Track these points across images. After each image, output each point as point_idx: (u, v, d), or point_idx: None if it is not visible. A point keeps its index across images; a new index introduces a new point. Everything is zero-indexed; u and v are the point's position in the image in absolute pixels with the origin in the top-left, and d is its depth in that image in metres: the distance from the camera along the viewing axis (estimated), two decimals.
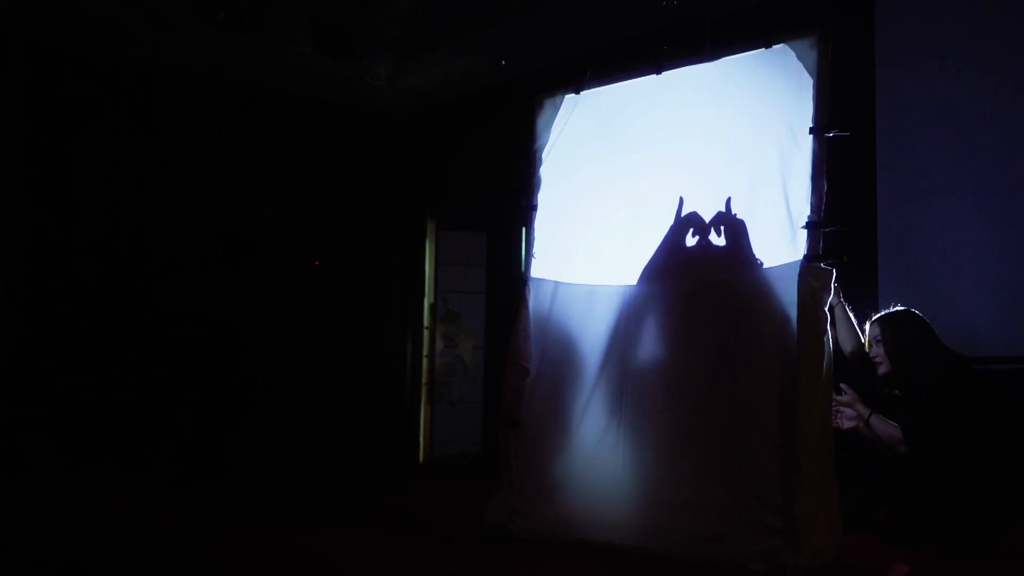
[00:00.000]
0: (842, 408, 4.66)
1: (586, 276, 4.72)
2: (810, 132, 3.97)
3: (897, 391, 4.60)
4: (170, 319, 8.05)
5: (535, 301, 4.82)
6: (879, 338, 4.65)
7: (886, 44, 5.62)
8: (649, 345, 4.40)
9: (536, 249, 4.87)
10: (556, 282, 4.78)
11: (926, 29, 5.57)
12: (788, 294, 3.97)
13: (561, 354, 4.71)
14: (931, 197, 5.50)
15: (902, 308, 4.69)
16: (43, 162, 7.91)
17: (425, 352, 9.17)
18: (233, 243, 8.48)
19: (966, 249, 5.37)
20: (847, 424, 4.66)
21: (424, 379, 9.17)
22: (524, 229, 4.98)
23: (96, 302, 7.91)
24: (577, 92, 4.84)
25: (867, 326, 4.75)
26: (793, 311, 3.92)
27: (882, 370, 4.64)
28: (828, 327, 3.94)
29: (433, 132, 9.40)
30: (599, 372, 4.54)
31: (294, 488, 7.02)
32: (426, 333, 9.17)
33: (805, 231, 3.95)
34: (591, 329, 4.61)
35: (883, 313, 4.70)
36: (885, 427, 4.53)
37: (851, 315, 4.91)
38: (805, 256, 3.92)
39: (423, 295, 9.20)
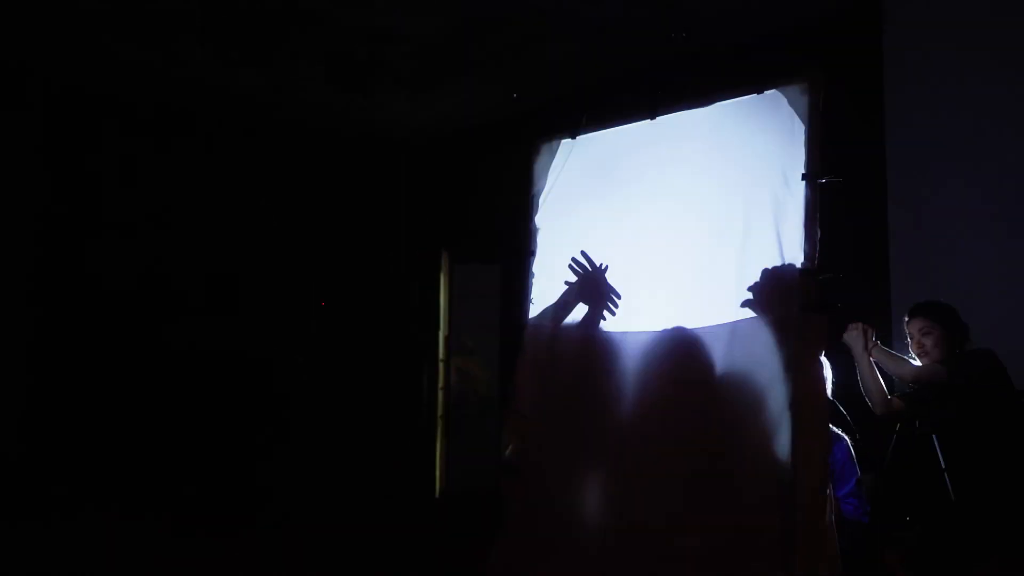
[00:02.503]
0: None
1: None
2: (802, 178, 3.97)
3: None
4: (181, 360, 8.15)
5: (534, 346, 4.82)
6: (927, 329, 4.64)
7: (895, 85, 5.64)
8: (644, 393, 4.40)
9: (535, 293, 4.88)
10: (552, 324, 4.78)
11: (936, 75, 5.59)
12: (782, 343, 3.96)
13: (560, 400, 4.71)
14: (943, 237, 5.50)
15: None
16: (62, 200, 8.06)
17: (440, 385, 9.23)
18: (243, 280, 8.57)
19: (978, 295, 5.36)
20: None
21: (440, 412, 9.23)
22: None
23: (110, 343, 8.01)
24: (573, 137, 4.87)
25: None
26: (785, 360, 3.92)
27: (929, 360, 4.63)
28: (823, 376, 3.93)
29: (446, 164, 9.48)
30: (598, 420, 4.54)
31: (314, 529, 7.08)
32: (441, 366, 9.23)
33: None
34: (589, 375, 4.62)
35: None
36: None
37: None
38: (800, 305, 3.90)
39: (437, 328, 9.26)
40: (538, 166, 4.97)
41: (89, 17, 7.31)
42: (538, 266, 4.95)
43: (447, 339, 9.24)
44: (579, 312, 4.65)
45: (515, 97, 8.50)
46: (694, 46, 6.04)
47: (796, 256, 3.97)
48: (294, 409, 8.88)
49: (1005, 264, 5.33)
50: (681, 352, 4.35)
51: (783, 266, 4.00)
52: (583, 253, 4.63)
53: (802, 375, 3.88)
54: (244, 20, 7.63)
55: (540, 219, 4.95)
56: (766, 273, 4.05)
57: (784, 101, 4.13)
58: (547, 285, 4.88)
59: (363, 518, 7.79)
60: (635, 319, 4.52)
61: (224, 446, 8.27)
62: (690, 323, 4.36)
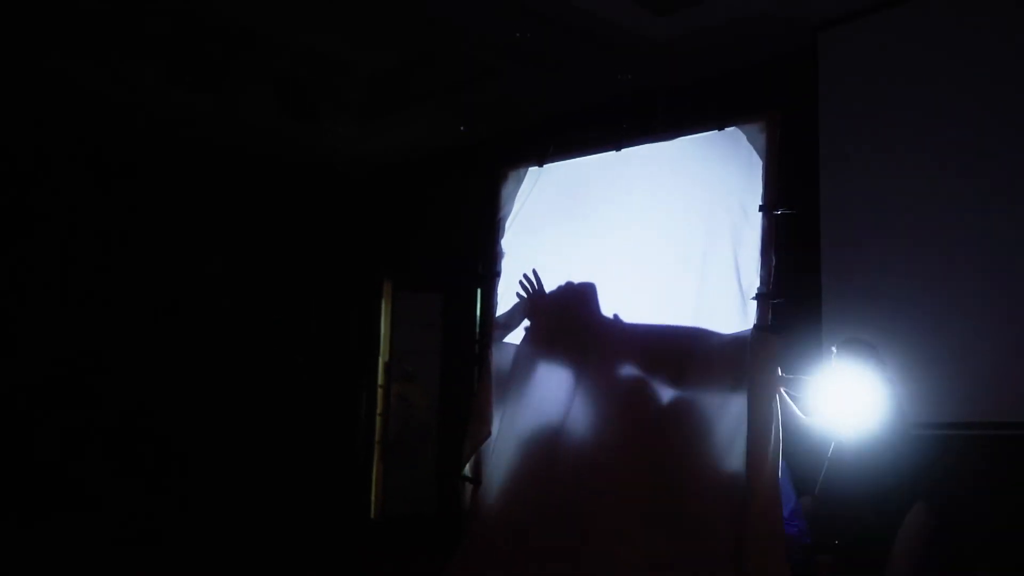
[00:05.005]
0: None
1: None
2: (759, 210, 4.32)
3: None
4: (120, 380, 8.22)
5: (498, 363, 5.08)
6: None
7: (830, 127, 6.07)
8: (606, 408, 4.68)
9: (499, 313, 5.15)
10: (517, 345, 5.05)
11: (870, 111, 6.02)
12: (738, 360, 4.28)
13: (522, 416, 4.96)
14: (872, 271, 5.90)
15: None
16: None
17: (379, 410, 9.39)
18: (184, 300, 8.68)
19: (906, 321, 5.76)
20: None
21: (377, 437, 9.38)
22: (480, 292, 5.27)
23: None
24: (540, 165, 5.16)
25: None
26: (742, 377, 4.23)
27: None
28: (776, 394, 4.25)
29: (392, 193, 9.70)
30: (559, 435, 4.79)
31: (247, 550, 7.17)
32: (380, 391, 9.39)
33: (755, 302, 4.27)
34: (552, 393, 4.88)
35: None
36: None
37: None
38: (755, 326, 4.23)
39: (378, 353, 9.42)
40: (505, 192, 5.24)
41: (38, 36, 7.40)
42: (503, 287, 5.21)
43: (387, 365, 9.40)
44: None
45: (462, 129, 8.76)
46: (653, 84, 6.43)
47: (752, 281, 4.30)
48: (230, 430, 8.93)
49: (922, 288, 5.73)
50: (643, 370, 4.65)
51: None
52: (534, 272, 4.90)
53: (755, 392, 4.18)
54: (195, 42, 7.79)
55: (506, 243, 5.21)
56: None
57: (743, 138, 4.47)
58: (510, 305, 5.16)
59: (297, 539, 7.90)
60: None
61: (154, 465, 8.32)
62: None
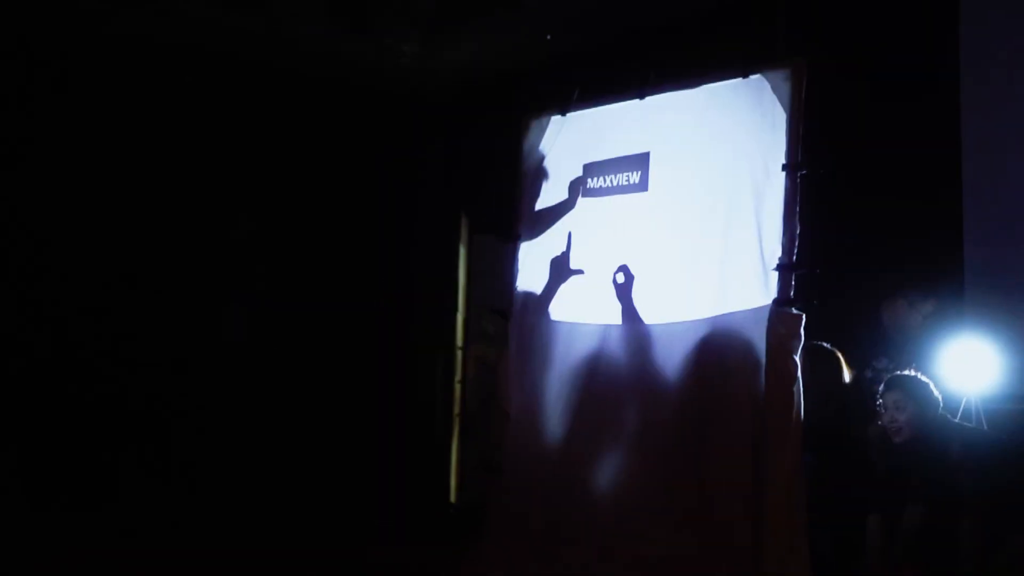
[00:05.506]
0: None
1: (570, 312, 5.88)
2: (782, 169, 5.05)
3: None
4: (162, 341, 9.30)
5: (518, 338, 6.00)
6: (900, 404, 5.58)
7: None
8: (625, 389, 5.55)
9: (520, 282, 6.06)
10: (540, 317, 5.96)
11: None
12: (760, 339, 5.06)
13: (543, 396, 5.88)
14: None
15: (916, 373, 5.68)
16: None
17: (457, 377, 10.10)
18: (232, 250, 9.66)
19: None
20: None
21: (456, 409, 10.10)
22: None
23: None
24: (563, 114, 6.01)
25: (881, 387, 5.68)
26: (763, 357, 5.02)
27: (900, 439, 5.63)
28: (798, 375, 5.01)
29: (469, 119, 10.33)
30: (579, 416, 5.71)
31: (315, 544, 8.17)
32: (458, 354, 10.12)
33: (776, 273, 5.02)
34: (573, 370, 5.78)
35: (900, 377, 5.70)
36: None
37: None
38: (774, 300, 4.99)
39: (455, 310, 10.16)
40: (527, 143, 6.12)
41: None
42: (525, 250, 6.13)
43: (466, 323, 10.11)
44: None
45: (548, 38, 9.41)
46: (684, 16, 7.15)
47: (774, 249, 5.05)
48: (286, 404, 9.89)
49: None
50: (663, 346, 5.49)
51: None
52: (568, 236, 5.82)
53: (774, 371, 4.97)
54: None
55: (527, 201, 6.10)
56: None
57: (768, 87, 5.19)
58: (532, 269, 6.07)
59: (368, 530, 8.77)
60: (616, 308, 5.67)
61: (214, 450, 9.39)
62: (671, 315, 5.51)
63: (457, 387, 10.11)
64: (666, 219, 5.52)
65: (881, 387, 5.61)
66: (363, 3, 8.99)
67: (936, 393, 5.49)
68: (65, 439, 8.85)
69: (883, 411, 5.56)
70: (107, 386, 9.14)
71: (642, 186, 5.66)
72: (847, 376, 5.75)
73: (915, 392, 5.51)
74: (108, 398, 9.13)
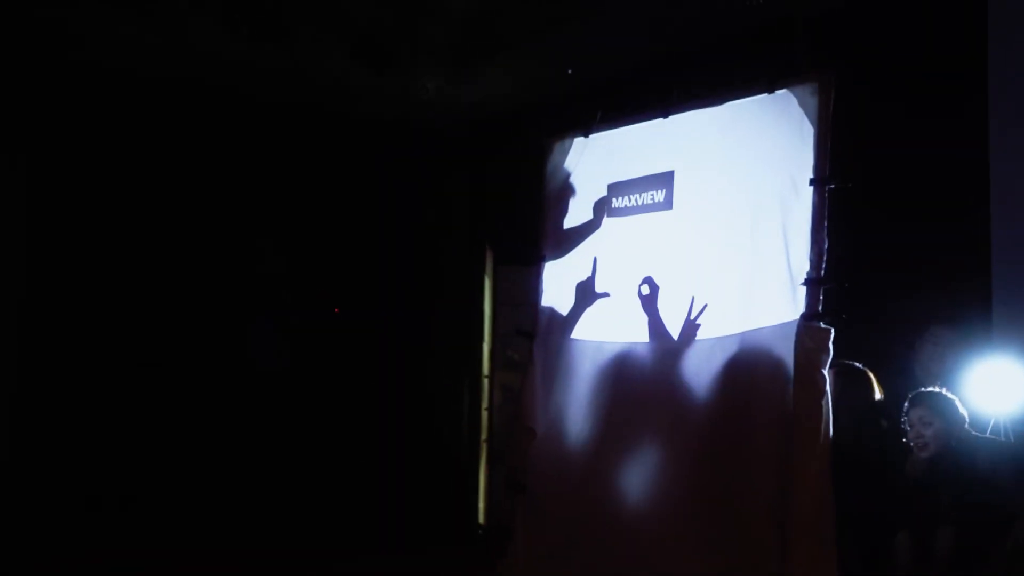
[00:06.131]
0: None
1: (595, 331, 5.78)
2: (810, 183, 4.93)
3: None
4: (192, 374, 9.36)
5: (544, 358, 5.90)
6: (927, 419, 5.50)
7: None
8: (652, 407, 5.44)
9: (544, 302, 5.96)
10: (566, 338, 5.86)
11: None
12: (788, 354, 4.94)
13: (569, 415, 5.78)
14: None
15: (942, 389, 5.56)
16: (46, 195, 9.22)
17: (484, 405, 10.16)
18: (257, 282, 9.71)
19: None
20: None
21: (484, 435, 10.16)
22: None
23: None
24: (586, 136, 5.93)
25: (907, 404, 5.60)
26: (792, 373, 4.90)
27: (927, 454, 5.50)
28: (827, 390, 4.89)
29: (490, 151, 10.39)
30: (605, 435, 5.60)
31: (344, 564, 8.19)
32: (485, 382, 10.16)
33: (804, 288, 4.91)
34: (599, 389, 5.67)
35: (926, 393, 5.58)
36: None
37: None
38: (802, 315, 4.87)
39: (481, 339, 10.19)
40: (551, 165, 6.05)
41: None
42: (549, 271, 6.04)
43: (492, 352, 10.14)
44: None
45: (569, 72, 9.43)
46: (708, 36, 7.09)
47: (802, 264, 4.94)
48: (316, 435, 9.96)
49: None
50: (689, 364, 5.38)
51: None
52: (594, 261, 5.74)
53: (802, 387, 4.85)
54: None
55: (551, 221, 6.02)
56: None
57: (794, 101, 5.08)
58: (557, 290, 5.98)
59: (399, 553, 8.81)
60: (642, 326, 5.56)
61: (233, 468, 9.45)
62: (699, 332, 5.40)
63: (484, 414, 10.16)
64: (691, 237, 5.42)
65: (906, 403, 5.47)
66: (387, 41, 9.06)
67: (962, 410, 5.36)
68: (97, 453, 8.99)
69: (909, 427, 5.43)
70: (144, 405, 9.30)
71: (667, 204, 5.58)
72: (878, 395, 5.61)
73: (941, 408, 5.38)
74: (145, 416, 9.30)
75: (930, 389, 5.48)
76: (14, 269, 9.04)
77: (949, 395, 5.42)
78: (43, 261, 9.16)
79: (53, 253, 9.21)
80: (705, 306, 5.34)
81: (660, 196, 5.63)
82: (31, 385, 8.98)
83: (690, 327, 5.39)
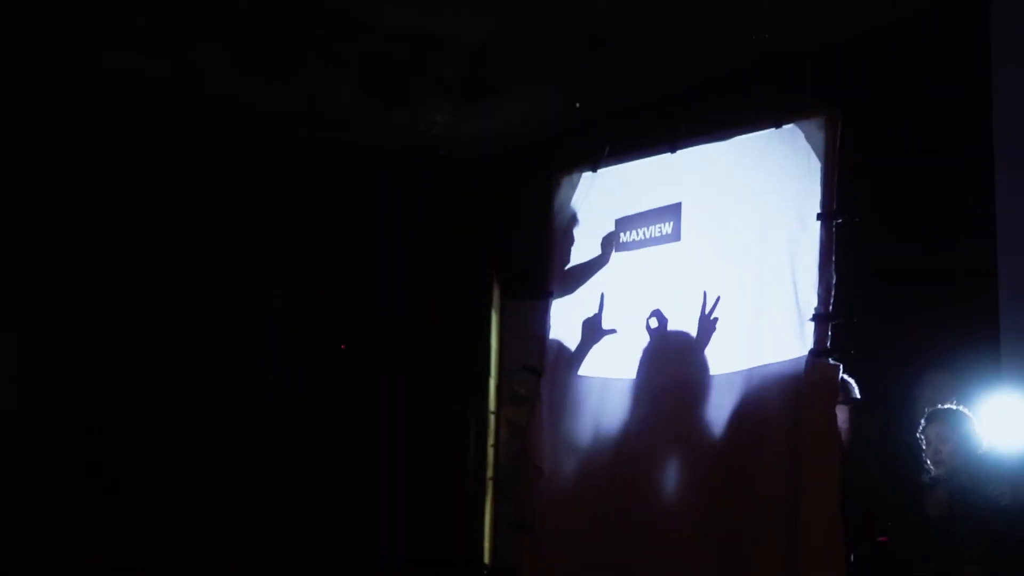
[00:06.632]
0: None
1: (602, 367, 5.69)
2: (817, 218, 4.87)
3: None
4: (199, 406, 9.31)
5: (551, 394, 5.82)
6: (945, 436, 5.42)
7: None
8: (660, 444, 5.35)
9: (552, 338, 5.89)
10: (573, 375, 5.78)
11: None
12: (797, 390, 4.86)
13: (575, 451, 5.70)
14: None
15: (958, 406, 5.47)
16: (54, 227, 9.20)
17: (491, 441, 10.02)
18: (264, 313, 9.67)
19: None
20: None
21: (490, 472, 10.02)
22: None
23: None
24: (594, 170, 5.87)
25: (923, 420, 5.52)
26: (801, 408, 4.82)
27: (942, 470, 5.41)
28: (837, 426, 4.80)
29: (498, 184, 10.38)
30: (613, 472, 5.51)
31: None
32: (491, 418, 10.04)
33: (812, 323, 4.83)
34: (605, 425, 5.59)
35: (943, 410, 5.49)
36: None
37: None
38: (811, 351, 4.79)
39: (488, 374, 10.08)
40: (559, 200, 5.99)
41: (106, 26, 8.43)
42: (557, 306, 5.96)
43: (498, 387, 10.03)
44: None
45: (577, 106, 9.40)
46: (714, 70, 7.08)
47: (810, 299, 4.86)
48: (321, 468, 9.87)
49: None
50: (696, 401, 5.30)
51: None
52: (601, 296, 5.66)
53: (812, 424, 4.76)
54: (268, 23, 8.67)
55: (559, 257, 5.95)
56: None
57: (801, 136, 5.03)
58: (565, 325, 5.91)
59: None
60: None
61: (236, 502, 9.38)
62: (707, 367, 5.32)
63: (490, 451, 10.02)
64: (700, 269, 5.35)
65: (922, 420, 5.39)
66: (395, 75, 9.06)
67: (979, 432, 5.27)
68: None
69: (925, 445, 5.32)
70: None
71: (674, 236, 5.52)
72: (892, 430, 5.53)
73: (958, 425, 5.29)
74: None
75: (947, 406, 5.38)
76: (19, 305, 9.00)
77: (966, 411, 5.32)
78: (51, 295, 9.11)
79: (62, 285, 9.17)
80: (719, 299, 5.24)
81: (668, 228, 5.56)
82: (35, 413, 8.91)
83: (706, 322, 5.29)
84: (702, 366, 5.23)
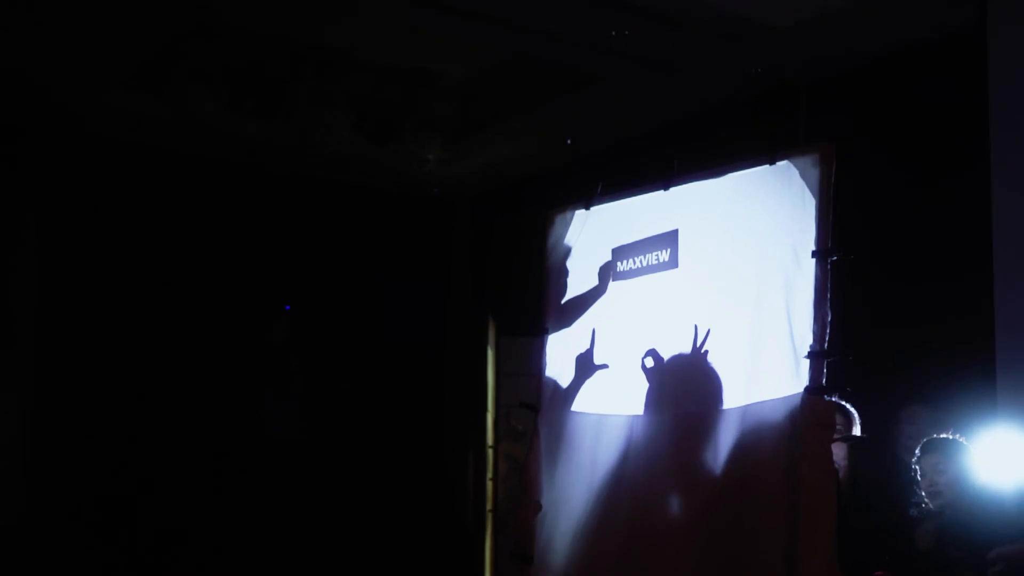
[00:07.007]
0: None
1: (597, 404, 5.62)
2: (812, 255, 4.81)
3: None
4: (201, 445, 9.27)
5: (547, 430, 5.76)
6: (941, 467, 5.35)
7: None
8: (656, 481, 5.28)
9: (548, 374, 5.82)
10: (568, 411, 5.71)
11: None
12: (792, 428, 4.79)
13: (573, 488, 5.62)
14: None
15: (955, 436, 5.41)
16: (57, 266, 9.20)
17: (489, 475, 10.05)
18: (262, 353, 9.63)
19: None
20: None
21: (489, 505, 10.04)
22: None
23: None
24: (587, 208, 5.81)
25: (919, 450, 5.45)
26: (796, 446, 4.75)
27: (939, 502, 5.34)
28: (833, 464, 4.74)
29: (492, 221, 10.40)
30: (609, 506, 5.43)
31: None
32: (489, 453, 10.07)
33: (807, 360, 4.76)
34: (601, 461, 5.51)
35: (939, 440, 5.42)
36: None
37: None
38: (806, 388, 4.72)
39: (485, 409, 10.09)
40: (552, 238, 5.93)
41: (93, 65, 8.43)
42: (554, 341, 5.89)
43: (495, 422, 10.06)
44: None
45: (568, 143, 9.40)
46: (708, 105, 7.06)
47: (805, 337, 4.80)
48: (321, 503, 9.82)
49: None
50: (692, 438, 5.22)
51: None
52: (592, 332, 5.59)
53: (808, 461, 4.69)
54: (259, 63, 8.68)
55: (554, 294, 5.89)
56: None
57: (796, 172, 4.98)
58: (561, 360, 5.84)
59: None
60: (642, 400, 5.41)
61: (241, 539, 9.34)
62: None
63: (489, 484, 10.06)
64: (697, 297, 5.29)
65: (918, 450, 5.33)
66: (388, 114, 9.08)
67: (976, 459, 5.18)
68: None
69: (921, 476, 5.27)
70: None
71: (672, 263, 5.45)
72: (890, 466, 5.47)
73: (955, 455, 5.22)
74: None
75: (943, 436, 5.33)
76: (27, 352, 9.09)
77: (963, 441, 5.25)
78: (56, 335, 9.21)
79: (67, 322, 9.27)
80: (709, 332, 5.16)
81: (665, 255, 5.49)
82: (44, 451, 9.00)
83: (697, 356, 5.22)
84: (698, 402, 5.14)
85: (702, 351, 5.14)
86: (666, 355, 5.37)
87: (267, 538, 9.50)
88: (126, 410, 9.29)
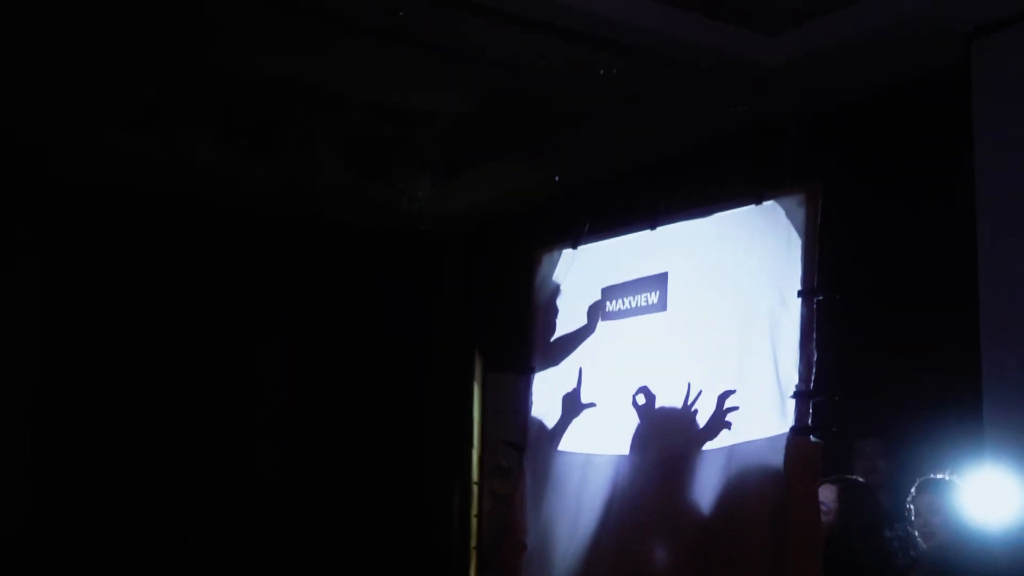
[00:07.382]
0: None
1: (584, 443, 5.56)
2: (798, 295, 4.78)
3: None
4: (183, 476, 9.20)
5: (533, 469, 5.69)
6: (935, 507, 5.30)
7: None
8: (643, 520, 5.22)
9: (534, 413, 5.77)
10: (554, 450, 5.65)
11: None
12: (778, 468, 4.74)
13: (559, 528, 5.56)
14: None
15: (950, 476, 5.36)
16: (52, 309, 9.19)
17: (474, 511, 10.00)
18: (248, 387, 9.61)
19: None
20: None
21: (474, 542, 9.98)
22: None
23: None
24: (574, 247, 5.78)
25: (913, 490, 5.40)
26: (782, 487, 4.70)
27: (933, 543, 5.28)
28: (820, 505, 4.70)
29: (481, 256, 10.41)
30: (595, 547, 5.37)
31: None
32: (475, 489, 10.01)
33: (793, 401, 4.72)
34: (587, 501, 5.45)
35: (935, 479, 5.37)
36: None
37: None
38: (792, 428, 4.68)
39: (471, 445, 10.05)
40: (539, 277, 5.89)
41: (96, 108, 8.44)
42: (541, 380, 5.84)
43: (481, 459, 10.01)
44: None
45: (556, 179, 9.40)
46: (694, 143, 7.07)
47: (791, 376, 4.76)
48: (306, 539, 9.76)
49: None
50: (678, 478, 5.17)
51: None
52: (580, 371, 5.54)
53: (795, 502, 4.64)
54: (250, 102, 8.67)
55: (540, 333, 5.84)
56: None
57: (782, 213, 4.95)
58: (548, 399, 5.79)
59: None
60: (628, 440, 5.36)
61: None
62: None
63: (474, 521, 9.97)
64: (685, 340, 5.25)
65: (912, 490, 5.32)
66: (376, 152, 9.09)
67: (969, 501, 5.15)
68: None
69: (914, 516, 5.24)
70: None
71: (661, 306, 5.40)
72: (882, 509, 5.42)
73: (950, 496, 5.19)
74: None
75: (939, 476, 5.30)
76: (19, 399, 9.13)
77: (958, 482, 5.22)
78: (52, 377, 9.29)
79: (58, 361, 9.35)
80: (700, 392, 5.09)
81: (654, 297, 5.44)
82: (44, 452, 9.09)
83: (687, 413, 5.14)
84: (686, 443, 5.09)
85: (692, 409, 5.08)
86: (656, 396, 5.32)
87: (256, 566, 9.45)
88: (126, 410, 9.38)
